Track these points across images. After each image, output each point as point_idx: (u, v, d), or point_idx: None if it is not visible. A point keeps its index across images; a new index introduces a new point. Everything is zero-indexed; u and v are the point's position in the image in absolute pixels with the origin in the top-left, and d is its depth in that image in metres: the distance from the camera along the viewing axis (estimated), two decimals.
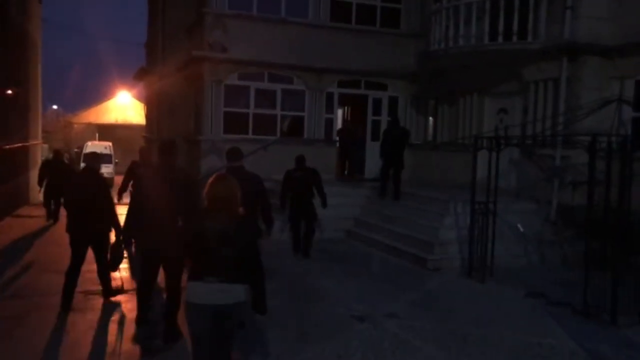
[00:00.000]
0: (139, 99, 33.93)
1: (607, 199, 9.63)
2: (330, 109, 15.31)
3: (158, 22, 17.56)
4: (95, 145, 34.40)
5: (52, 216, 13.80)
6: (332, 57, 14.77)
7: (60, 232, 12.25)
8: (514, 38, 11.39)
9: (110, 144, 34.92)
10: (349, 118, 17.79)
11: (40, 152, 23.94)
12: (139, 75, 19.47)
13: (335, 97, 15.39)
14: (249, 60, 14.17)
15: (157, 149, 5.93)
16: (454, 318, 6.92)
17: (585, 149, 9.99)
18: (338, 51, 14.86)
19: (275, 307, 7.05)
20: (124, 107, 41.04)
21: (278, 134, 14.67)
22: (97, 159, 7.54)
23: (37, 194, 16.16)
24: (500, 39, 11.50)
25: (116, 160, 33.19)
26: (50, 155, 16.86)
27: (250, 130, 14.56)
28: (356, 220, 12.49)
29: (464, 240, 10.04)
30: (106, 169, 31.73)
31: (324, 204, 10.28)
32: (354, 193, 13.26)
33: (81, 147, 34.20)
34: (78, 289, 7.10)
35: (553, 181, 11.22)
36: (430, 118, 15.49)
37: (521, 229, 10.58)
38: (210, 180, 4.16)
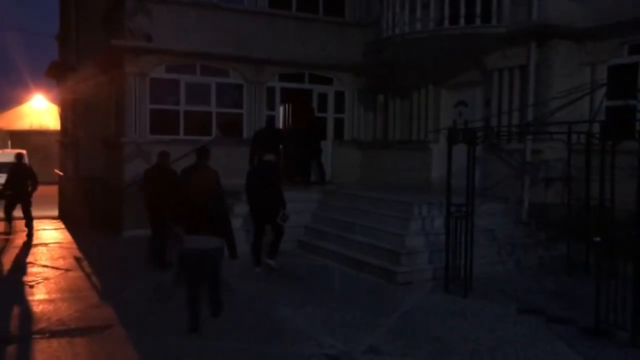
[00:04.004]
0: (56, 102, 31.08)
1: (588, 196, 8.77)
2: (271, 105, 13.79)
3: (71, 9, 15.44)
4: (6, 154, 31.33)
5: None
6: (272, 48, 13.28)
7: None
8: (477, 21, 10.31)
9: (24, 152, 31.88)
10: (290, 115, 16.31)
11: None
12: (51, 72, 17.16)
13: (277, 92, 13.88)
14: (177, 51, 12.41)
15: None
16: (451, 350, 5.60)
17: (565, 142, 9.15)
18: (279, 41, 13.40)
19: (226, 350, 5.55)
20: (40, 111, 37.74)
21: (213, 133, 13.06)
22: (166, 156, 9.42)
23: None
24: (461, 22, 10.39)
25: None
26: None
27: (181, 130, 12.81)
28: (307, 229, 11.03)
29: (434, 248, 8.89)
30: None
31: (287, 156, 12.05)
32: (303, 197, 11.76)
33: None
34: None
35: (523, 178, 10.23)
36: (378, 114, 14.27)
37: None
38: (196, 172, 7.03)
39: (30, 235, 12.32)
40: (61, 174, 18.57)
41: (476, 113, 11.40)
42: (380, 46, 12.50)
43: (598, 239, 6.02)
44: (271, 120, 12.53)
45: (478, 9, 10.25)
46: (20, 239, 12.19)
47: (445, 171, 8.05)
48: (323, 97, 14.45)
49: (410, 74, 12.78)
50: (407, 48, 11.72)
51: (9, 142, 35.97)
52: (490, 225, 9.76)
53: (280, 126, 14.95)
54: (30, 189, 12.76)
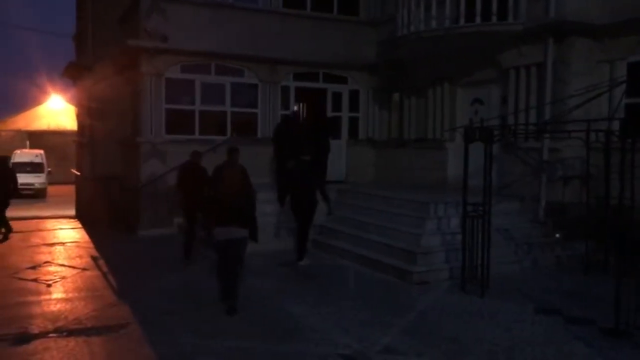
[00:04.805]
0: (73, 103, 31.40)
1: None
2: (286, 104, 13.79)
3: (87, 10, 15.58)
4: (24, 154, 31.72)
5: None
6: (286, 47, 13.28)
7: None
8: (493, 18, 10.22)
9: (42, 152, 32.31)
10: (304, 114, 16.30)
11: None
12: (68, 72, 17.35)
13: (292, 91, 13.88)
14: (193, 51, 12.48)
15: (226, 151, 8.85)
16: (466, 350, 5.54)
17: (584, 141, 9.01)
18: (293, 41, 13.39)
19: (240, 349, 5.56)
20: (57, 112, 38.18)
21: (228, 133, 13.08)
22: (197, 156, 9.92)
23: None
24: (477, 19, 10.30)
25: (49, 169, 30.65)
26: None
27: (196, 130, 12.86)
28: (322, 228, 11.01)
29: (450, 247, 8.82)
30: (37, 180, 29.22)
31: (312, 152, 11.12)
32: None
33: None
34: None
35: (541, 177, 10.11)
36: (393, 112, 14.20)
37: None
38: (225, 170, 7.55)
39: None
40: (78, 173, 18.75)
41: (492, 111, 11.29)
42: (395, 44, 12.44)
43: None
44: (285, 116, 12.73)
45: (494, 6, 10.16)
46: (35, 237, 12.33)
47: (461, 170, 7.99)
48: (337, 96, 14.42)
49: (425, 72, 12.70)
50: (422, 46, 11.66)
51: (27, 143, 36.44)
52: (507, 224, 9.68)
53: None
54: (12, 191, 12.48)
